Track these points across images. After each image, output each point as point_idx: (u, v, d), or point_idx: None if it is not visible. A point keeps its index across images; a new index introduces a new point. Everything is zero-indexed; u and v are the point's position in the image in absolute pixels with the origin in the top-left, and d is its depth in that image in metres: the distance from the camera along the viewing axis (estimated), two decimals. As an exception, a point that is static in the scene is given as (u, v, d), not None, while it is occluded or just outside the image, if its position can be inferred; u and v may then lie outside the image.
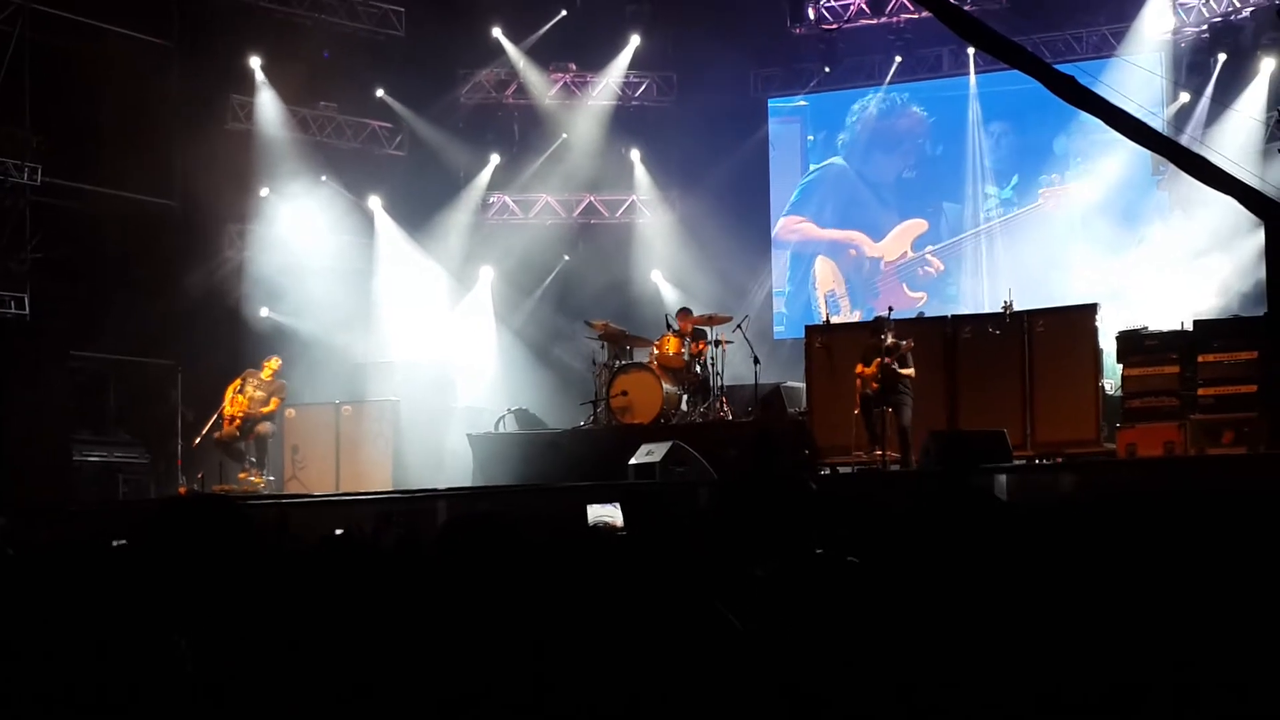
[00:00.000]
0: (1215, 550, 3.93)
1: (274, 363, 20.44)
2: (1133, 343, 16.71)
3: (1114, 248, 22.89)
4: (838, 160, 25.53)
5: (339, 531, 11.10)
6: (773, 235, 25.74)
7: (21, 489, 18.47)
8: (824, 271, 25.52)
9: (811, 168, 25.76)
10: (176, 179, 22.72)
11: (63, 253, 21.39)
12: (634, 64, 26.16)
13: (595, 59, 26.16)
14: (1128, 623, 3.63)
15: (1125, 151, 21.63)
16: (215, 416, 20.00)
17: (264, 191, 23.97)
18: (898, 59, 24.70)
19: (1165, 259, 22.21)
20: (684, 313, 20.28)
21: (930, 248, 24.79)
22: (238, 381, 20.16)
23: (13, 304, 20.50)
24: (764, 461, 15.55)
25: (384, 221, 25.26)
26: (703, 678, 3.71)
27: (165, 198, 22.70)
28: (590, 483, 16.09)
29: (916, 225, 24.97)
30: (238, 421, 19.87)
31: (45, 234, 21.20)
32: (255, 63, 24.00)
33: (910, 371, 16.53)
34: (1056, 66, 15.81)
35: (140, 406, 22.42)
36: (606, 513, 15.80)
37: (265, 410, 20.02)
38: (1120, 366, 16.79)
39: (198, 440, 20.20)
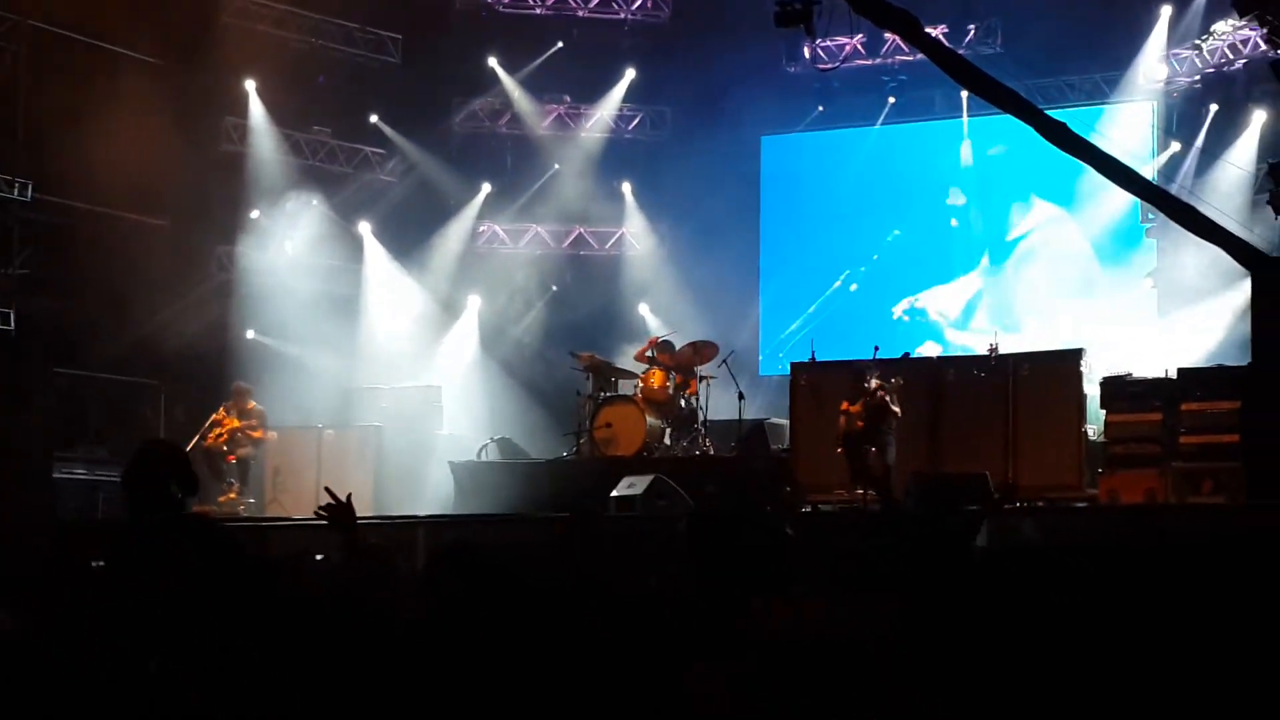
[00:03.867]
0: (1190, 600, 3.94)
1: (240, 391, 20.32)
2: (1117, 389, 16.73)
3: (1100, 293, 22.97)
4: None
5: (319, 557, 11.07)
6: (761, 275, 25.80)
7: (1, 504, 18.39)
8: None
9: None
10: (167, 198, 22.71)
11: (50, 269, 21.39)
12: (628, 97, 26.25)
13: (590, 91, 26.24)
14: (1101, 668, 3.63)
15: (1114, 198, 21.72)
16: (200, 435, 19.97)
17: (254, 213, 24.00)
18: (891, 100, 24.79)
19: (1151, 306, 22.30)
20: (665, 345, 20.31)
21: (917, 296, 24.82)
22: (223, 409, 20.18)
23: (-2, 319, 20.50)
24: (740, 501, 15.55)
25: (373, 247, 25.28)
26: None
27: (155, 216, 22.69)
28: (566, 514, 16.04)
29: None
30: (224, 437, 19.90)
31: (33, 250, 21.20)
32: (250, 85, 24.03)
33: (897, 410, 16.51)
34: (1048, 112, 15.90)
35: (122, 425, 22.37)
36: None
37: (252, 435, 20.05)
38: (1104, 412, 16.81)
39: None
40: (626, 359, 21.72)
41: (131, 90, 21.47)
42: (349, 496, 5.87)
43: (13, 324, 20.56)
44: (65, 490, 20.86)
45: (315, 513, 6.03)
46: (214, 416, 20.16)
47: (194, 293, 22.99)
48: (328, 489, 6.07)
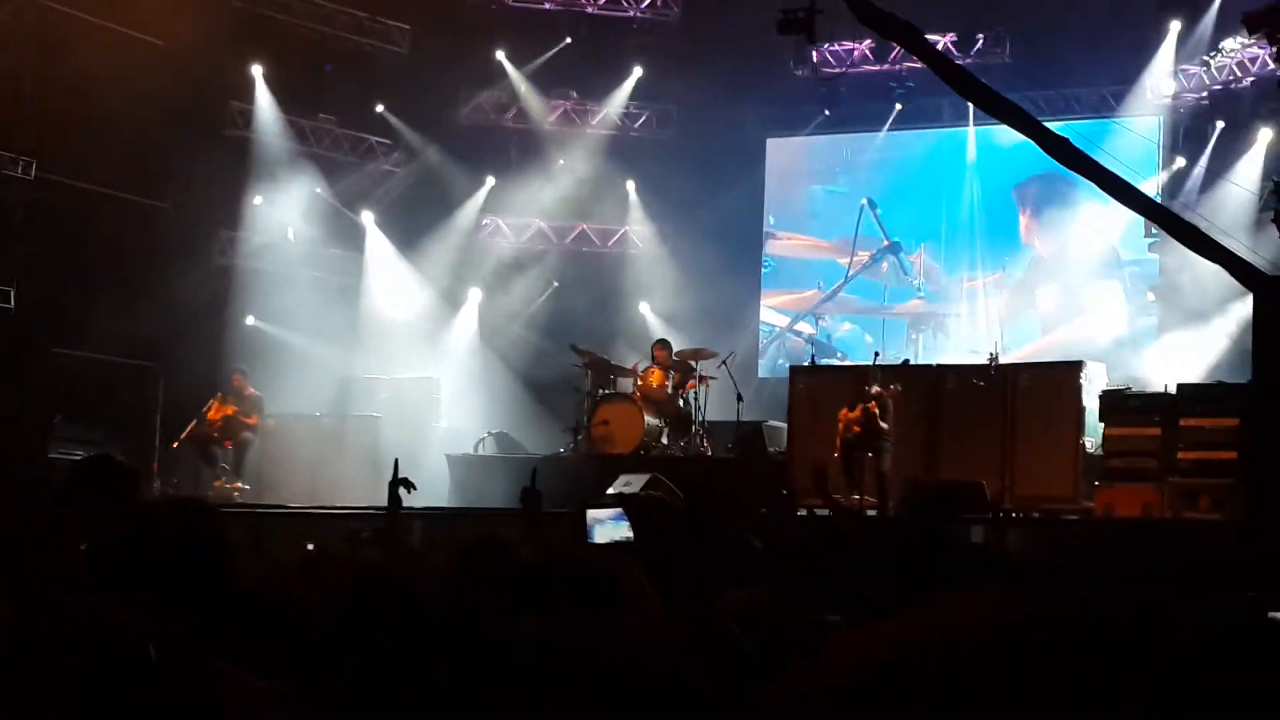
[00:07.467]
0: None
1: (238, 378, 20.42)
2: (1116, 402, 16.74)
3: (1099, 307, 22.95)
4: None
5: (310, 547, 11.07)
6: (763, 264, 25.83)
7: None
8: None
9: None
10: (170, 182, 22.68)
11: (52, 249, 21.35)
12: (634, 95, 26.22)
13: (596, 88, 26.22)
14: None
15: (1119, 213, 21.70)
16: (196, 420, 19.97)
17: (257, 199, 23.97)
18: (898, 107, 24.76)
19: (1152, 321, 22.28)
20: (661, 344, 20.30)
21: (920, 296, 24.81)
22: (220, 396, 20.24)
23: (-1, 297, 20.46)
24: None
25: (375, 236, 25.26)
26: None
27: (158, 200, 22.65)
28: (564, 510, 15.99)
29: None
30: (219, 425, 19.91)
31: (36, 229, 21.16)
32: (257, 70, 24.01)
33: (887, 426, 16.47)
34: (1054, 125, 15.90)
35: (119, 407, 22.34)
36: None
37: (248, 421, 20.07)
38: (1102, 425, 16.81)
39: (176, 443, 20.15)
40: (625, 356, 21.70)
41: (137, 71, 21.41)
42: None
43: (13, 302, 20.53)
44: (60, 470, 20.85)
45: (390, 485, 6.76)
46: (210, 402, 20.17)
47: (194, 277, 22.94)
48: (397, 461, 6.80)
